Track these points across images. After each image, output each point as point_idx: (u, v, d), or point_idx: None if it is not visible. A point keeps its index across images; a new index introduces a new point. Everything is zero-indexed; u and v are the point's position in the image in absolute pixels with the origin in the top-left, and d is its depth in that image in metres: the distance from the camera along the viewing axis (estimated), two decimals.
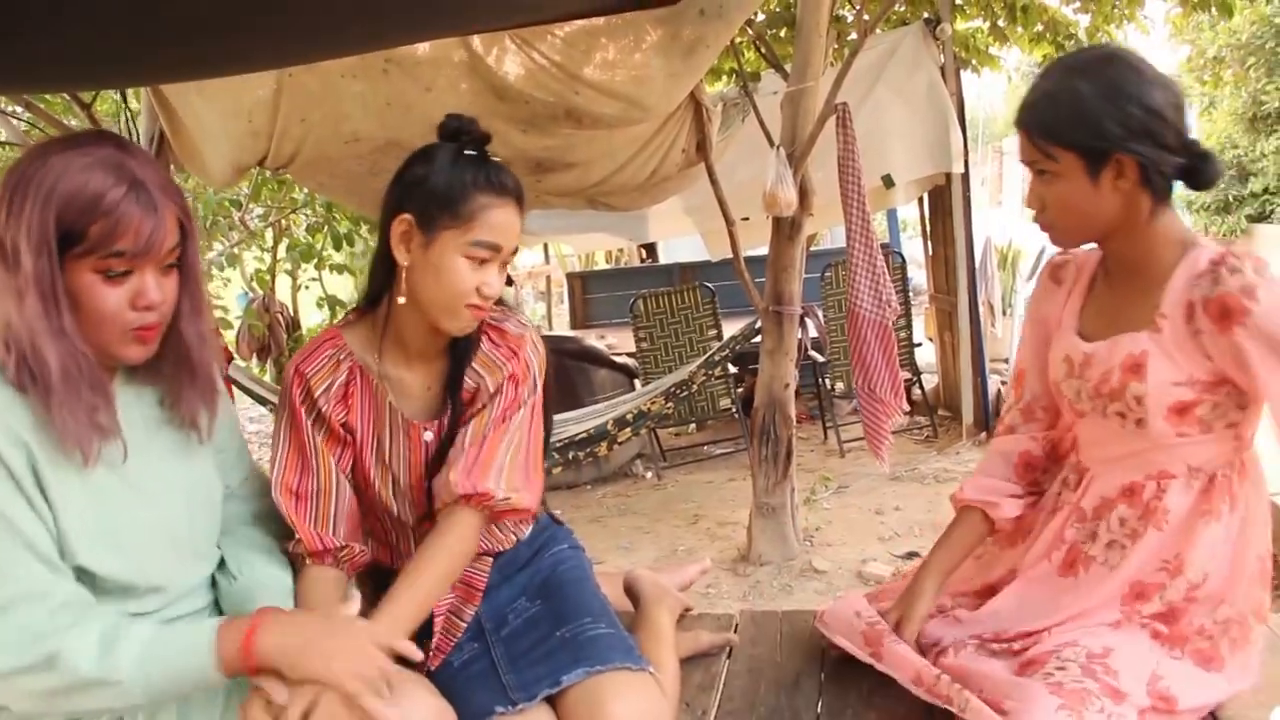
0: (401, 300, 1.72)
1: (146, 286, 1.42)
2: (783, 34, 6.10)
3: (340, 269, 7.87)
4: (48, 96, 5.32)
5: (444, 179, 1.68)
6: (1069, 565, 1.85)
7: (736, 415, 6.42)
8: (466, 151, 1.71)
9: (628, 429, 5.19)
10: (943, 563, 2.03)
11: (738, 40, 5.02)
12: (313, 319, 8.65)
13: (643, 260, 10.96)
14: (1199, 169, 1.65)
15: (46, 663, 1.31)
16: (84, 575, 1.42)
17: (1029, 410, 2.01)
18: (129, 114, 5.63)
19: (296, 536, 1.73)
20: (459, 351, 1.80)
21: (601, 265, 12.28)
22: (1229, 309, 1.59)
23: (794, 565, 4.55)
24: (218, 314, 6.06)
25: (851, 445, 6.42)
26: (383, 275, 1.77)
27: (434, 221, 1.67)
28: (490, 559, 1.85)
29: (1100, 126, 1.61)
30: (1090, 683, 1.63)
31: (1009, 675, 1.72)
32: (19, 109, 5.40)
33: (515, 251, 1.74)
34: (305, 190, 6.86)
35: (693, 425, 7.12)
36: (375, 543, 1.91)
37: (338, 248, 7.16)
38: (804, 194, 4.23)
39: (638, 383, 6.67)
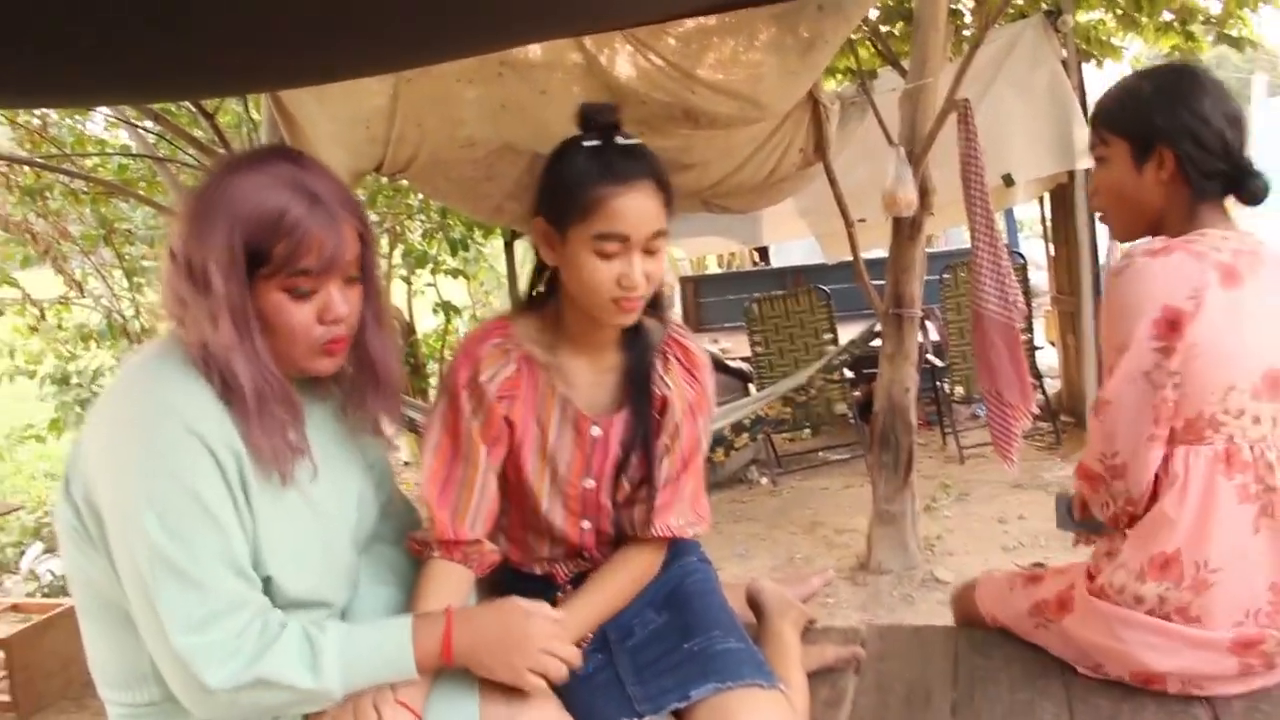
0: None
1: (332, 301, 1.44)
2: (898, 30, 5.98)
3: (455, 274, 7.94)
4: (173, 108, 5.47)
5: (565, 175, 1.64)
6: None
7: (853, 420, 6.30)
8: (586, 143, 1.66)
9: (744, 434, 5.13)
10: None
11: (853, 36, 4.92)
12: (427, 324, 8.75)
13: (755, 263, 10.86)
14: (1244, 182, 1.79)
15: (260, 684, 1.35)
16: (267, 586, 1.44)
17: None
18: (251, 124, 5.77)
19: (427, 525, 1.69)
20: (634, 348, 1.77)
21: (713, 269, 12.21)
22: None
23: (915, 575, 4.44)
24: None
25: (971, 452, 6.25)
26: (542, 273, 1.77)
27: (561, 220, 1.64)
28: None
29: (1149, 119, 1.81)
30: None
31: None
32: (148, 123, 5.58)
33: (658, 235, 1.64)
34: (420, 196, 6.94)
35: (807, 430, 7.01)
36: (508, 541, 1.87)
37: (453, 253, 7.22)
38: (924, 193, 4.14)
39: (751, 387, 6.60)
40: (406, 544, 1.71)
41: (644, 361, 1.77)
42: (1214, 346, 1.68)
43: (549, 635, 1.53)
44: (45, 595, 5.19)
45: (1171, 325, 1.67)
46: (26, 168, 6.06)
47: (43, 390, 6.71)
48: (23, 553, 6.19)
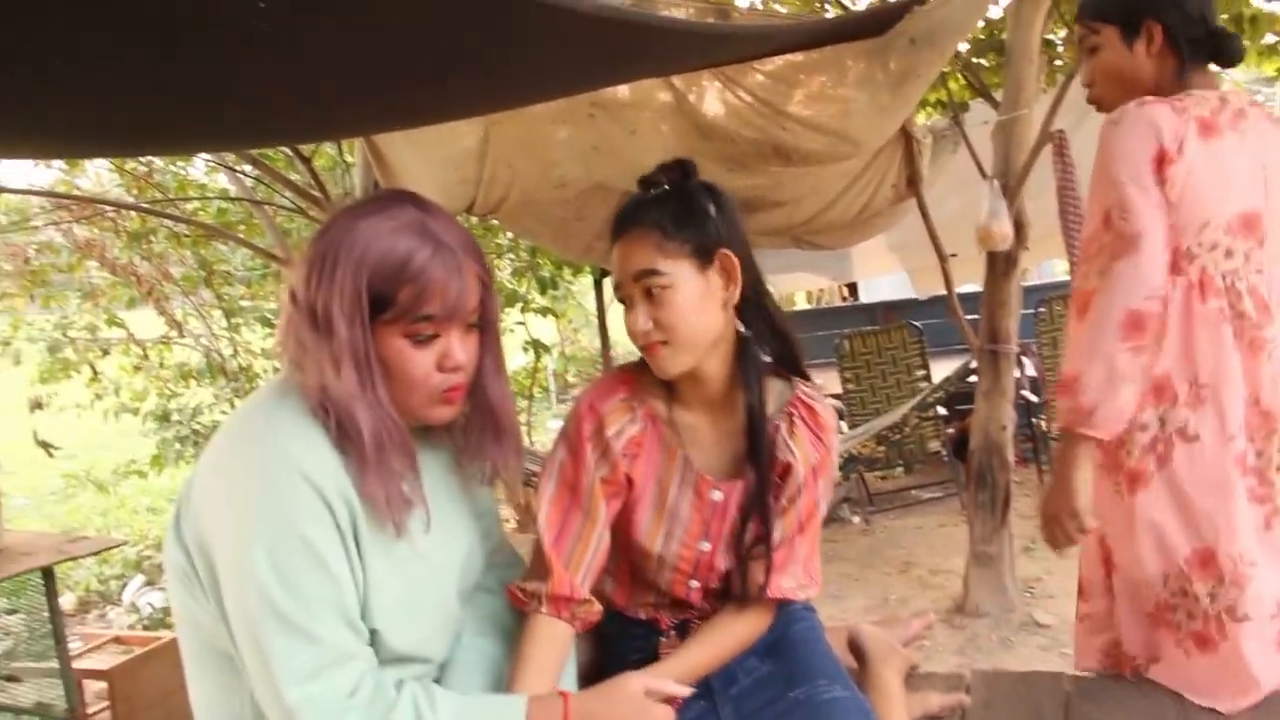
0: None
1: (452, 348, 1.41)
2: (989, 61, 5.91)
3: (544, 312, 8.00)
4: (270, 153, 5.61)
5: None
6: None
7: (946, 458, 6.18)
8: None
9: (838, 473, 5.06)
10: None
11: (944, 69, 4.87)
12: (516, 362, 8.82)
13: (844, 299, 10.78)
14: (1222, 45, 1.95)
15: None
16: (373, 639, 1.41)
17: None
18: (345, 167, 5.89)
19: (537, 578, 1.63)
20: (757, 409, 1.70)
21: (801, 305, 12.15)
22: None
23: (1013, 618, 4.31)
24: None
25: None
26: None
27: None
28: None
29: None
30: None
31: None
32: (247, 167, 5.73)
33: (647, 275, 1.59)
34: (509, 235, 7.00)
35: (900, 468, 6.90)
36: (615, 584, 1.84)
37: (542, 291, 7.26)
38: (1019, 227, 4.07)
39: (843, 424, 6.51)
40: (508, 594, 1.65)
41: (768, 424, 1.71)
42: (1192, 188, 1.83)
43: None
44: (145, 628, 5.31)
45: (1161, 163, 1.82)
46: (133, 213, 6.27)
47: (145, 426, 6.90)
48: (125, 585, 6.34)
